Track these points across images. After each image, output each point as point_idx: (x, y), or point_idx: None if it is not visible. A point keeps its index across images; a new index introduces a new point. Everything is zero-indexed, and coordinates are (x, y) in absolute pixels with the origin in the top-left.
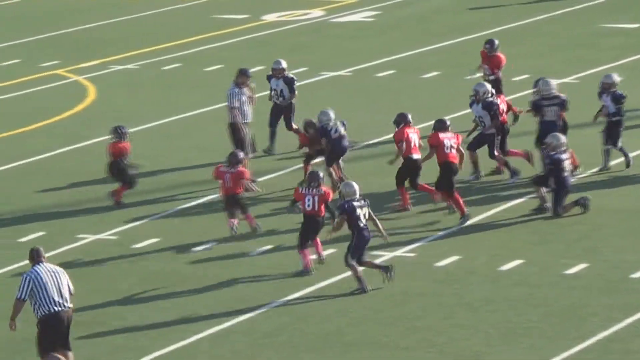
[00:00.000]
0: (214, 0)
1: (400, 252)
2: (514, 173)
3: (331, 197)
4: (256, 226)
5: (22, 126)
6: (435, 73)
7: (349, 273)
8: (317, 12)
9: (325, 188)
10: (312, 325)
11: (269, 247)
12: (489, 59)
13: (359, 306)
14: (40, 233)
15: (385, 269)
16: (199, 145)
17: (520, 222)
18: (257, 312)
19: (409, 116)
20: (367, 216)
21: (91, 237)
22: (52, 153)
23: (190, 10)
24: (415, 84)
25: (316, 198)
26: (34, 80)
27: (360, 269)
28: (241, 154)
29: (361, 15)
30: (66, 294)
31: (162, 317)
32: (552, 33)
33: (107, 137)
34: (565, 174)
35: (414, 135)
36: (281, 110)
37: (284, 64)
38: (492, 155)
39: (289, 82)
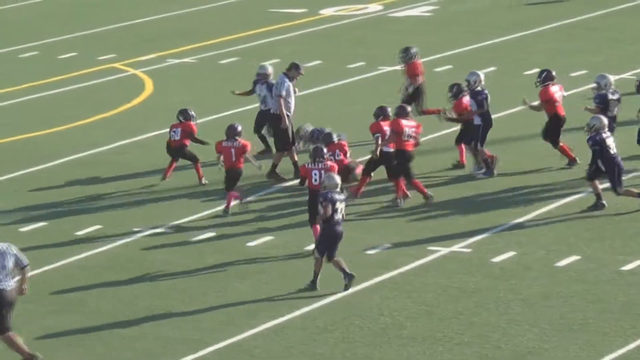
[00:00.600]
0: None
1: (456, 247)
2: (483, 167)
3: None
4: (241, 200)
5: (80, 119)
6: (492, 68)
7: (405, 268)
8: (374, 7)
9: (331, 162)
10: (367, 320)
11: None
12: (406, 67)
13: (414, 301)
14: (97, 226)
15: (349, 277)
16: (256, 140)
17: (576, 218)
18: (313, 306)
19: (389, 110)
20: (342, 212)
21: (148, 231)
22: (110, 146)
23: (248, 4)
24: None
25: (323, 172)
26: (91, 73)
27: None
28: (239, 127)
29: (419, 10)
30: (10, 272)
31: (217, 311)
32: (608, 28)
33: (164, 130)
34: (612, 152)
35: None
36: (266, 117)
37: (270, 70)
38: (475, 147)
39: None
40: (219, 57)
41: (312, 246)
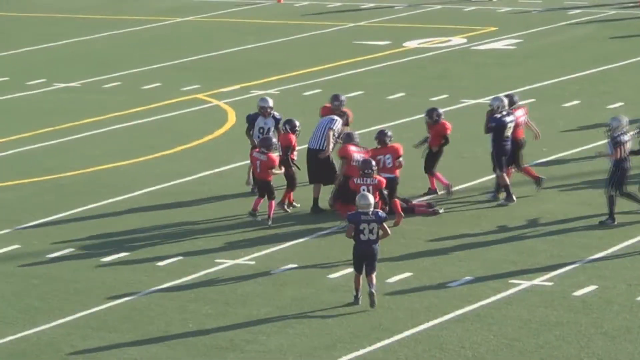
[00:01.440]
0: (356, 27)
1: (537, 280)
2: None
3: (384, 185)
4: (268, 218)
5: (163, 149)
6: (575, 102)
7: (486, 301)
8: (458, 40)
9: (379, 177)
10: (449, 353)
11: (406, 274)
12: (338, 116)
13: (495, 334)
14: (179, 257)
15: (356, 298)
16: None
17: None
18: (394, 339)
19: (354, 135)
20: (373, 231)
21: (229, 262)
22: (193, 177)
23: (332, 36)
24: (556, 112)
25: (371, 188)
26: (174, 104)
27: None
28: (274, 140)
29: (503, 43)
30: None
31: (298, 343)
32: None
33: (247, 162)
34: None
35: (358, 155)
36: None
37: (271, 102)
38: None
39: (278, 121)
40: (302, 88)
41: (394, 279)
